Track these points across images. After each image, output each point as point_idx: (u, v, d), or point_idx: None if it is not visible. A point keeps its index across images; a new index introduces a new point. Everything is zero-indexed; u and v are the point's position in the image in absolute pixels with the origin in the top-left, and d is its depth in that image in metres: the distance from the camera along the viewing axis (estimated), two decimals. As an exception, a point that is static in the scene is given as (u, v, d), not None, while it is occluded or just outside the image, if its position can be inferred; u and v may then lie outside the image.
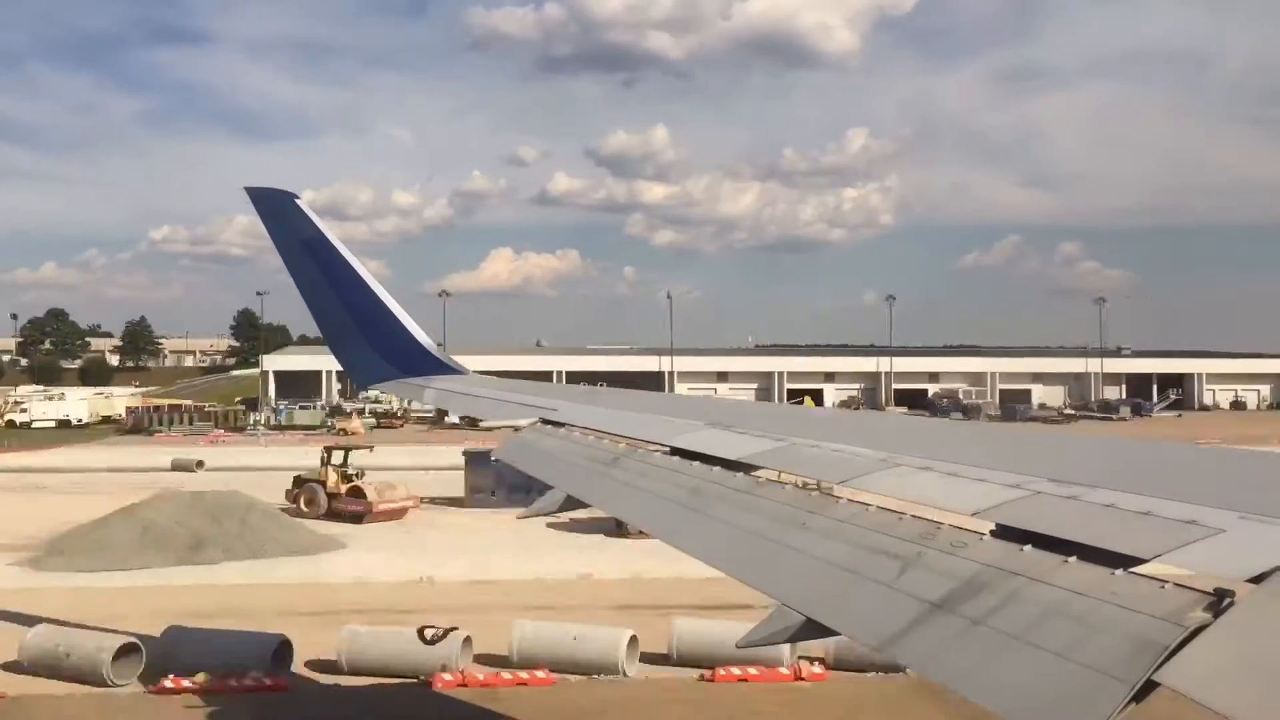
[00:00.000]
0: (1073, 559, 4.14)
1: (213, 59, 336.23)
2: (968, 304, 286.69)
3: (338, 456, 45.68)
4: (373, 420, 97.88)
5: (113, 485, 50.53)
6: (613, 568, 32.05)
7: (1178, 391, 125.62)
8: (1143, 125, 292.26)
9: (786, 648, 20.22)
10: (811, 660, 21.46)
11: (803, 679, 21.10)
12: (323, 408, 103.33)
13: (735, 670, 21.03)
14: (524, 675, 21.10)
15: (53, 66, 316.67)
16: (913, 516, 5.17)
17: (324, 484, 43.50)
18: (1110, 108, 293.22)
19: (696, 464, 7.35)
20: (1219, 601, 3.49)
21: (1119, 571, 3.94)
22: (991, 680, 3.80)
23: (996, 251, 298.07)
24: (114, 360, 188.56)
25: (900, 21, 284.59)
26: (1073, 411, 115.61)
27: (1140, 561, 3.98)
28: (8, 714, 19.40)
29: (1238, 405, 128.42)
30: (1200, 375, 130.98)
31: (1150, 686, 3.33)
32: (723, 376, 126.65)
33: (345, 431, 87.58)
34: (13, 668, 21.34)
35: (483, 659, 22.21)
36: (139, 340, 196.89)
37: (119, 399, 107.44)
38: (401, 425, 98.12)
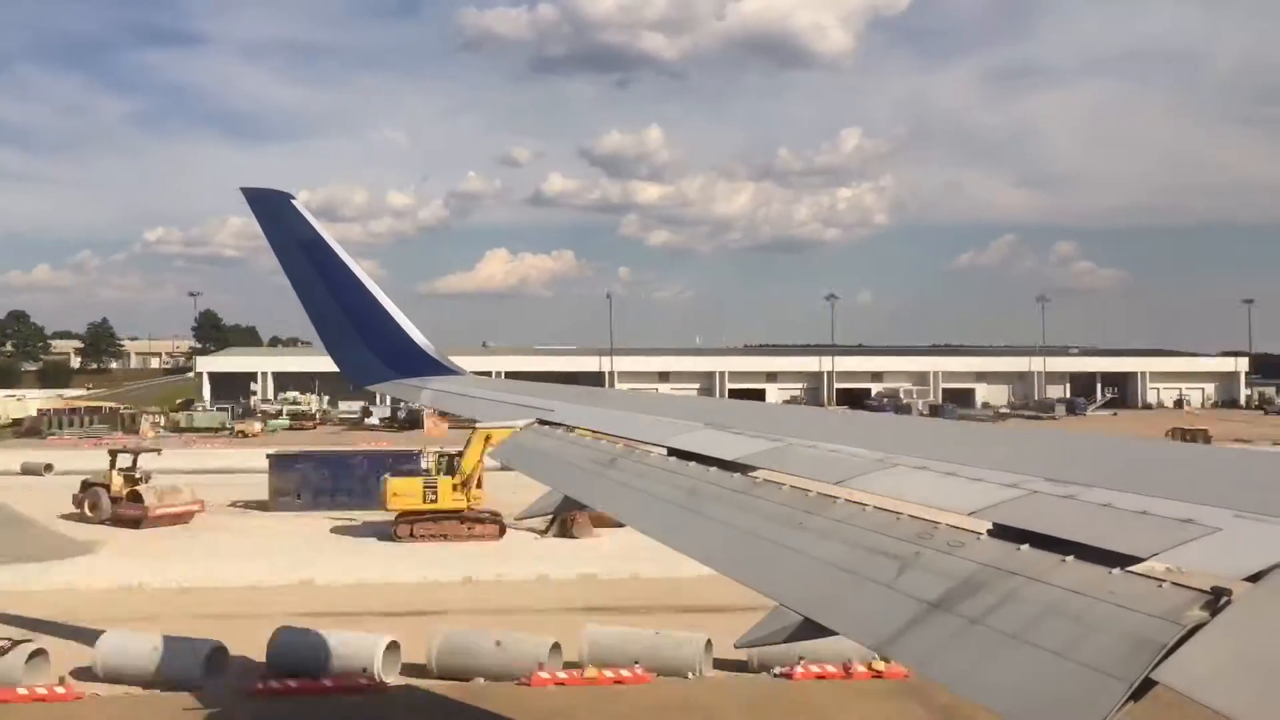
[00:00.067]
0: (1070, 558, 4.15)
1: (205, 60, 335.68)
2: (962, 304, 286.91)
3: (125, 460, 45.55)
4: (286, 421, 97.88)
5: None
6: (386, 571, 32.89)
7: (1114, 390, 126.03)
8: (1138, 124, 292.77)
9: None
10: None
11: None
12: (231, 410, 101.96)
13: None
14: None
15: (42, 68, 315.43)
16: (910, 516, 5.18)
17: (108, 488, 43.15)
18: (1105, 106, 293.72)
19: (694, 464, 7.36)
20: (1216, 600, 3.50)
21: (1116, 570, 3.95)
22: (990, 680, 3.81)
23: (991, 251, 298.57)
24: (76, 362, 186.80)
25: (894, 21, 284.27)
26: (1007, 410, 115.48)
27: (1137, 560, 3.99)
28: None
29: (1180, 404, 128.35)
30: (1144, 374, 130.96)
31: (1148, 685, 3.33)
32: (664, 376, 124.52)
33: (244, 434, 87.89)
34: None
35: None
36: (100, 342, 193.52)
37: (32, 401, 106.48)
38: (314, 427, 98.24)
